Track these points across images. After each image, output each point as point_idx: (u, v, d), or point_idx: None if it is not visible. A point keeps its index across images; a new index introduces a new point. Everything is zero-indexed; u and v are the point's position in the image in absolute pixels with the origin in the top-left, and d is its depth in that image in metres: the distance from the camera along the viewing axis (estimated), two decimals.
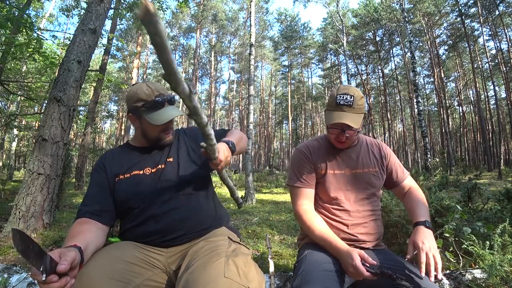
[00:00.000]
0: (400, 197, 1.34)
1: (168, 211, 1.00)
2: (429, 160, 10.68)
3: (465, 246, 1.63)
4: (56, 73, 5.67)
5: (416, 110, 12.85)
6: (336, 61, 30.74)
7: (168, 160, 1.09)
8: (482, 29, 18.92)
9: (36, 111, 13.01)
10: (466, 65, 25.39)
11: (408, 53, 18.22)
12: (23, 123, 14.41)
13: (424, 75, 30.03)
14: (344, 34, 18.42)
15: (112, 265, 0.81)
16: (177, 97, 0.97)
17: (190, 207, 1.03)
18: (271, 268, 1.40)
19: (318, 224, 1.13)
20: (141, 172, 1.05)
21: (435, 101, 27.98)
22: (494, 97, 22.80)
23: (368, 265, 0.93)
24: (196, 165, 1.12)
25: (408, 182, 1.29)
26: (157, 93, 1.04)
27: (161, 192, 1.02)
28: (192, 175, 1.08)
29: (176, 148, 1.15)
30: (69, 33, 9.24)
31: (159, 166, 1.07)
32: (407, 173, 1.31)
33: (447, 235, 1.79)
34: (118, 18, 10.00)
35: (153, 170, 1.06)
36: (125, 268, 0.83)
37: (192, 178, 1.08)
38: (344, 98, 1.13)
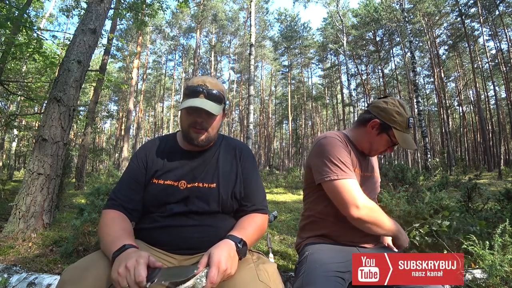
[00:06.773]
0: None
1: (190, 226, 0.96)
2: (429, 160, 10.70)
3: (465, 246, 1.63)
4: (56, 73, 5.67)
5: (416, 110, 12.85)
6: (336, 61, 30.71)
7: (209, 185, 0.99)
8: (482, 29, 18.91)
9: (36, 111, 12.99)
10: (466, 65, 25.38)
11: (408, 53, 18.23)
12: (23, 123, 14.39)
13: (424, 75, 30.01)
14: (344, 34, 18.43)
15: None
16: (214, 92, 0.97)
17: (213, 227, 0.97)
18: None
19: (385, 215, 1.09)
20: (175, 184, 0.99)
21: (435, 101, 27.98)
22: (494, 97, 22.84)
23: None
24: (237, 190, 1.02)
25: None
26: (200, 83, 0.98)
27: (189, 210, 0.97)
28: (230, 204, 1.00)
29: (222, 167, 1.03)
30: (69, 33, 9.27)
31: (195, 184, 0.99)
32: None
33: (434, 228, 1.99)
34: (118, 18, 10.00)
35: (188, 186, 0.98)
36: None
37: (228, 206, 1.00)
38: (413, 122, 1.18)
